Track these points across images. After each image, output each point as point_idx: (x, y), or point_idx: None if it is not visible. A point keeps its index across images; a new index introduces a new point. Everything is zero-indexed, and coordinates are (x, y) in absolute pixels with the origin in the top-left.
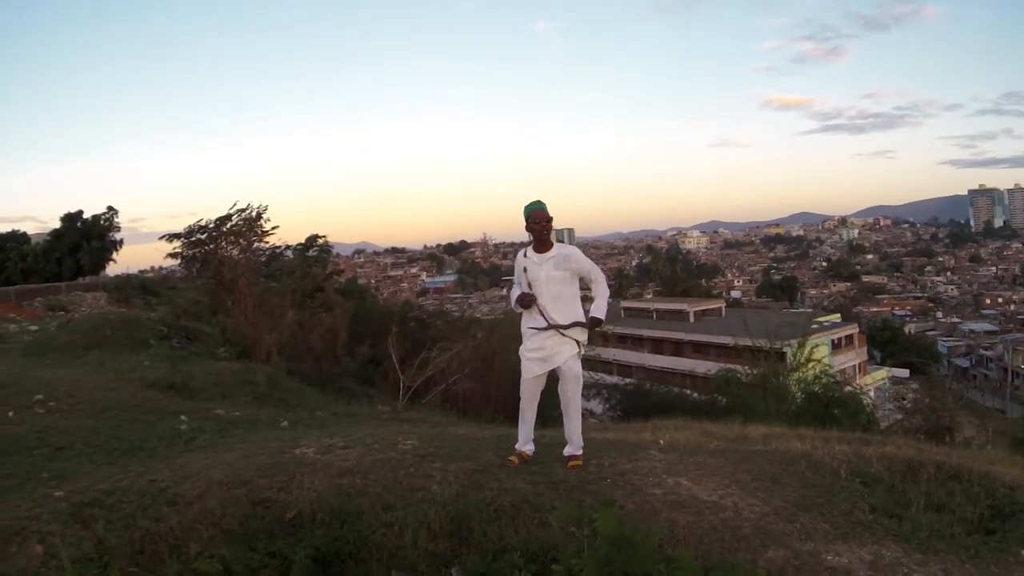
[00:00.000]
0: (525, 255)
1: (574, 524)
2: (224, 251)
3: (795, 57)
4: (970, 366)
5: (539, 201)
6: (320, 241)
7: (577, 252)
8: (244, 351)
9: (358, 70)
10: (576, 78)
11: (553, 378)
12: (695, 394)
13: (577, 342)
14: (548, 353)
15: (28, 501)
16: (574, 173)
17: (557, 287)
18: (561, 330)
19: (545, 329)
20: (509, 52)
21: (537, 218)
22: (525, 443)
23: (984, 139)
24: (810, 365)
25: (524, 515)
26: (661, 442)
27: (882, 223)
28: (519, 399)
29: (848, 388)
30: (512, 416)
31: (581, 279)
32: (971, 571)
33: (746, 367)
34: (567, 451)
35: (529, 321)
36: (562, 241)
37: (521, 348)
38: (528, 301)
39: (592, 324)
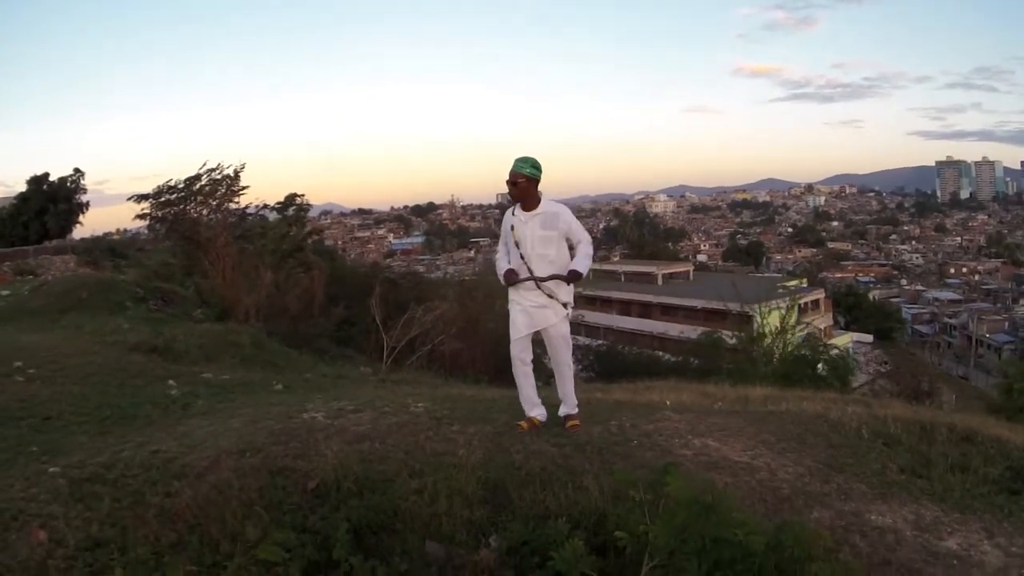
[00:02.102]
0: (512, 213)
1: (631, 487)
2: (195, 211)
3: (766, 24)
4: (933, 333)
5: (519, 159)
6: (299, 200)
7: (566, 211)
8: (223, 312)
9: (325, 31)
10: (547, 40)
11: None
12: (667, 356)
13: (564, 304)
14: (534, 313)
15: (21, 479)
16: (542, 135)
17: (543, 247)
18: (540, 283)
19: (528, 280)
20: (479, 13)
21: (509, 179)
22: (532, 409)
23: (953, 112)
24: (798, 328)
25: (558, 479)
26: (668, 403)
27: (848, 191)
28: (504, 359)
29: (835, 350)
30: (495, 377)
31: (568, 240)
32: (1009, 530)
33: (733, 331)
34: (562, 411)
35: (516, 286)
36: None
37: (509, 305)
38: (512, 279)
39: (570, 277)
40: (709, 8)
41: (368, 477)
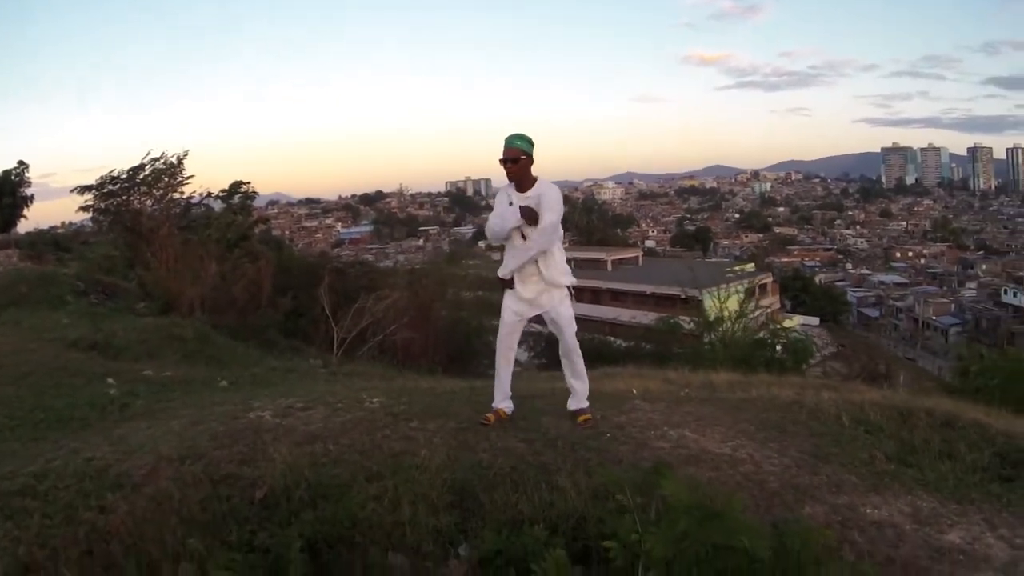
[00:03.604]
0: (508, 192)
1: (618, 490)
2: (138, 202)
3: (714, 14)
4: (879, 316)
5: (512, 135)
6: (244, 188)
7: (551, 194)
8: (166, 305)
9: (267, 18)
10: (492, 27)
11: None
12: (618, 341)
13: (567, 288)
14: (533, 297)
15: None
16: (491, 123)
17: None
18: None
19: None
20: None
21: (508, 156)
22: (502, 400)
23: (899, 99)
24: (757, 312)
25: (530, 479)
26: (635, 391)
27: (793, 177)
28: (456, 348)
29: (794, 333)
30: (449, 366)
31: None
32: (1010, 520)
33: (689, 316)
34: (571, 404)
35: (512, 256)
36: (480, 193)
37: (506, 290)
38: (532, 216)
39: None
40: None
41: (321, 483)
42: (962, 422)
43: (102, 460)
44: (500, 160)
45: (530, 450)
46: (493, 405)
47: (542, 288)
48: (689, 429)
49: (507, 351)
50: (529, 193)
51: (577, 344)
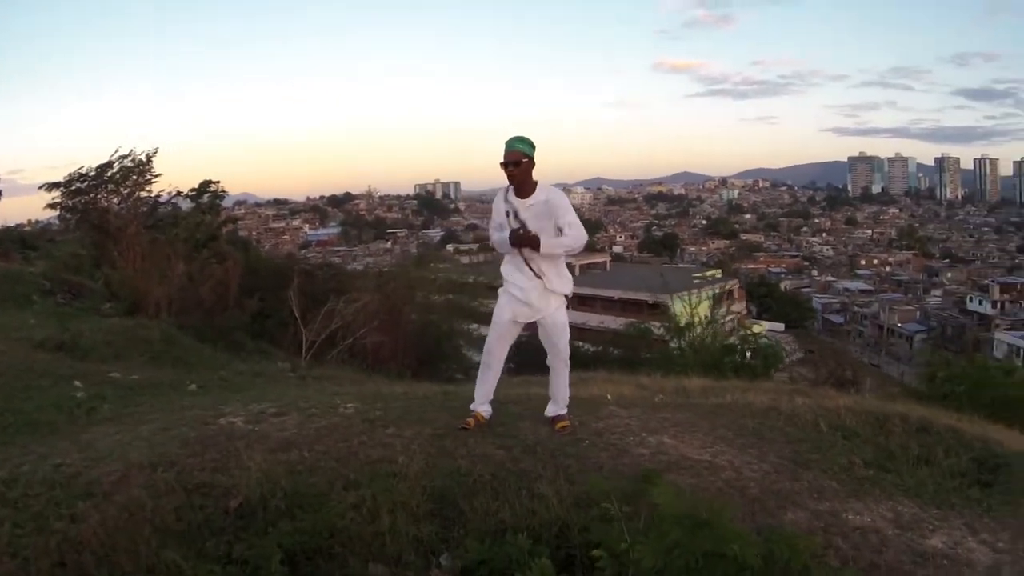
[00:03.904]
0: (506, 198)
1: (605, 499)
2: (106, 200)
3: (687, 22)
4: (844, 322)
5: (513, 138)
6: (213, 188)
7: (561, 198)
8: (132, 306)
9: (239, 17)
10: (465, 31)
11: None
12: (586, 346)
13: (565, 296)
14: (531, 301)
15: None
16: (461, 126)
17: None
18: (536, 273)
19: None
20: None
21: (510, 159)
22: (482, 403)
23: (867, 109)
24: (728, 318)
25: (511, 486)
26: (609, 397)
27: (761, 185)
28: (426, 352)
29: (764, 339)
30: (420, 370)
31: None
32: (992, 526)
33: (659, 321)
34: (550, 411)
35: (512, 271)
36: (449, 196)
37: (501, 290)
38: (525, 240)
39: (525, 241)
40: (630, 5)
41: (298, 492)
42: (937, 428)
43: (71, 467)
44: (501, 163)
45: (509, 457)
46: (472, 407)
47: (541, 293)
48: (668, 435)
49: (498, 355)
50: (530, 200)
51: (568, 353)
